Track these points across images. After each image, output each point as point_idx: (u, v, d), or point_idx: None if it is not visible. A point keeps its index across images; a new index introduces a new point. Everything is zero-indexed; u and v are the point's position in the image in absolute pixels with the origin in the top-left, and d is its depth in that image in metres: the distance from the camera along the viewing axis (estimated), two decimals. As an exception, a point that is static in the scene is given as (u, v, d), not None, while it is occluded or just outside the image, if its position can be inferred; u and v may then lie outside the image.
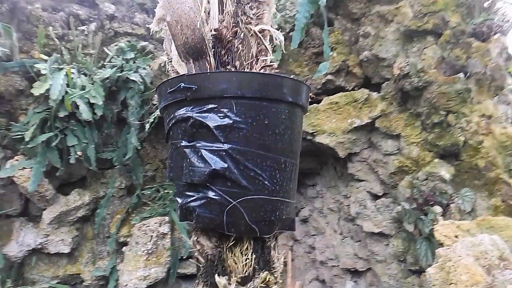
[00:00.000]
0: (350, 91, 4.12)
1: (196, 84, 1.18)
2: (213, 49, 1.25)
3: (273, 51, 1.52)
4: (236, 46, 1.25)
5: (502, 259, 1.67)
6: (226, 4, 1.23)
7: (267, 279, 1.31)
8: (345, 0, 4.16)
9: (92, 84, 4.31)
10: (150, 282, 3.91)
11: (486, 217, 2.50)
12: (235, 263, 1.27)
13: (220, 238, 1.31)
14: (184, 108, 1.22)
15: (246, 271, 1.28)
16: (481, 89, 3.43)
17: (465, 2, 3.48)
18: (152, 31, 1.47)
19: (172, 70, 1.39)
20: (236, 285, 1.27)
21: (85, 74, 4.40)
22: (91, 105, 4.14)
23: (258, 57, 1.31)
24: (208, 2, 1.19)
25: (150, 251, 4.03)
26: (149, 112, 4.80)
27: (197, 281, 1.37)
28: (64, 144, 4.12)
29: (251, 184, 1.20)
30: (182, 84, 1.17)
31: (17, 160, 4.02)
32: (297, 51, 4.38)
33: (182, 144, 1.24)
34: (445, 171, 3.38)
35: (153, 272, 3.96)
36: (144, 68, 4.69)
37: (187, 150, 1.22)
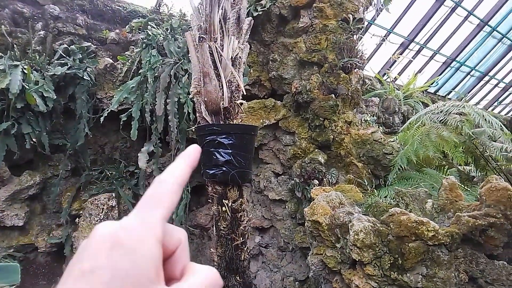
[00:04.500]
0: (261, 98, 5.50)
1: (220, 127, 2.59)
2: (223, 112, 2.62)
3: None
4: (230, 110, 2.63)
5: (341, 204, 3.29)
6: (227, 92, 2.54)
7: (242, 201, 2.83)
8: (259, 29, 5.52)
9: (43, 79, 4.93)
10: (104, 245, 4.82)
11: (340, 185, 4.19)
12: (231, 195, 2.73)
13: (225, 185, 2.76)
14: (213, 136, 2.58)
15: (235, 198, 2.76)
16: (345, 104, 5.14)
17: (339, 45, 5.13)
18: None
19: (200, 117, 2.66)
20: (231, 203, 2.73)
21: (36, 70, 4.98)
22: (43, 98, 4.79)
23: (238, 113, 2.69)
24: (223, 94, 2.50)
25: (102, 221, 4.91)
26: (93, 105, 5.56)
27: (212, 203, 2.81)
28: (19, 131, 4.70)
29: (239, 165, 2.63)
30: (214, 128, 2.55)
31: (-24, 145, 4.49)
32: (222, 64, 5.61)
33: (211, 149, 2.60)
34: (321, 157, 4.89)
35: (106, 237, 4.87)
36: (90, 67, 5.41)
37: (214, 152, 2.58)
